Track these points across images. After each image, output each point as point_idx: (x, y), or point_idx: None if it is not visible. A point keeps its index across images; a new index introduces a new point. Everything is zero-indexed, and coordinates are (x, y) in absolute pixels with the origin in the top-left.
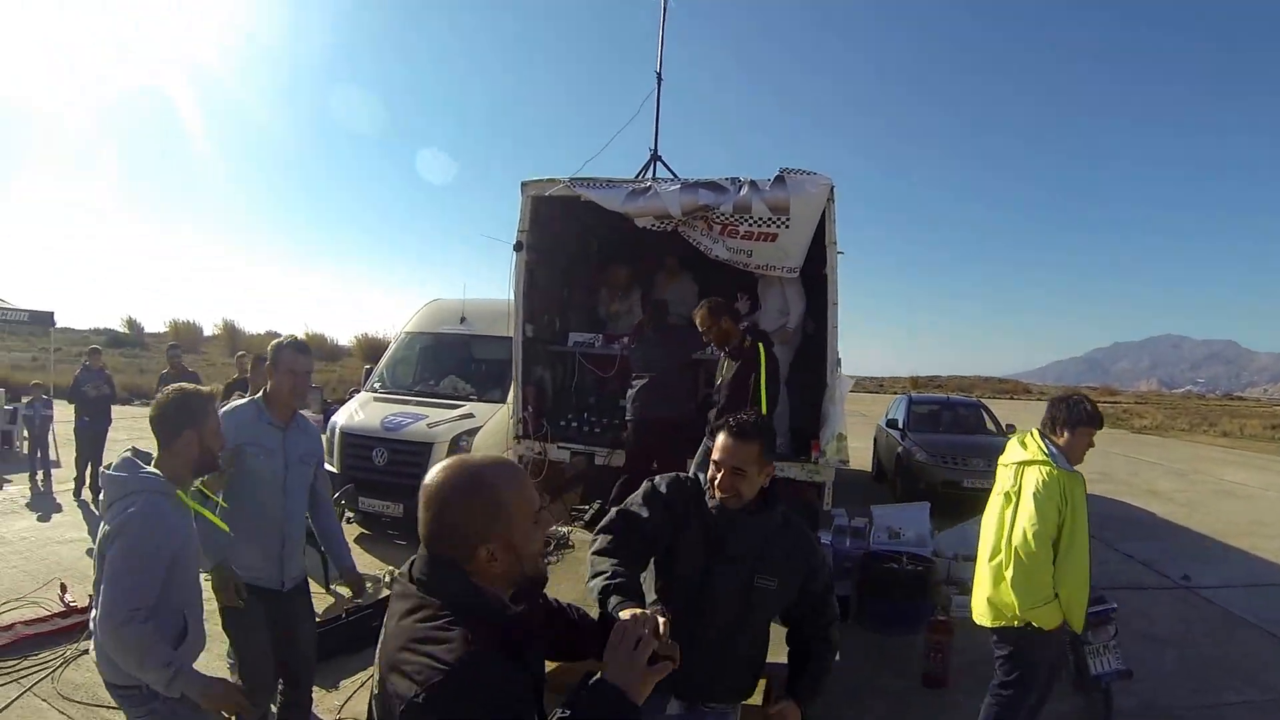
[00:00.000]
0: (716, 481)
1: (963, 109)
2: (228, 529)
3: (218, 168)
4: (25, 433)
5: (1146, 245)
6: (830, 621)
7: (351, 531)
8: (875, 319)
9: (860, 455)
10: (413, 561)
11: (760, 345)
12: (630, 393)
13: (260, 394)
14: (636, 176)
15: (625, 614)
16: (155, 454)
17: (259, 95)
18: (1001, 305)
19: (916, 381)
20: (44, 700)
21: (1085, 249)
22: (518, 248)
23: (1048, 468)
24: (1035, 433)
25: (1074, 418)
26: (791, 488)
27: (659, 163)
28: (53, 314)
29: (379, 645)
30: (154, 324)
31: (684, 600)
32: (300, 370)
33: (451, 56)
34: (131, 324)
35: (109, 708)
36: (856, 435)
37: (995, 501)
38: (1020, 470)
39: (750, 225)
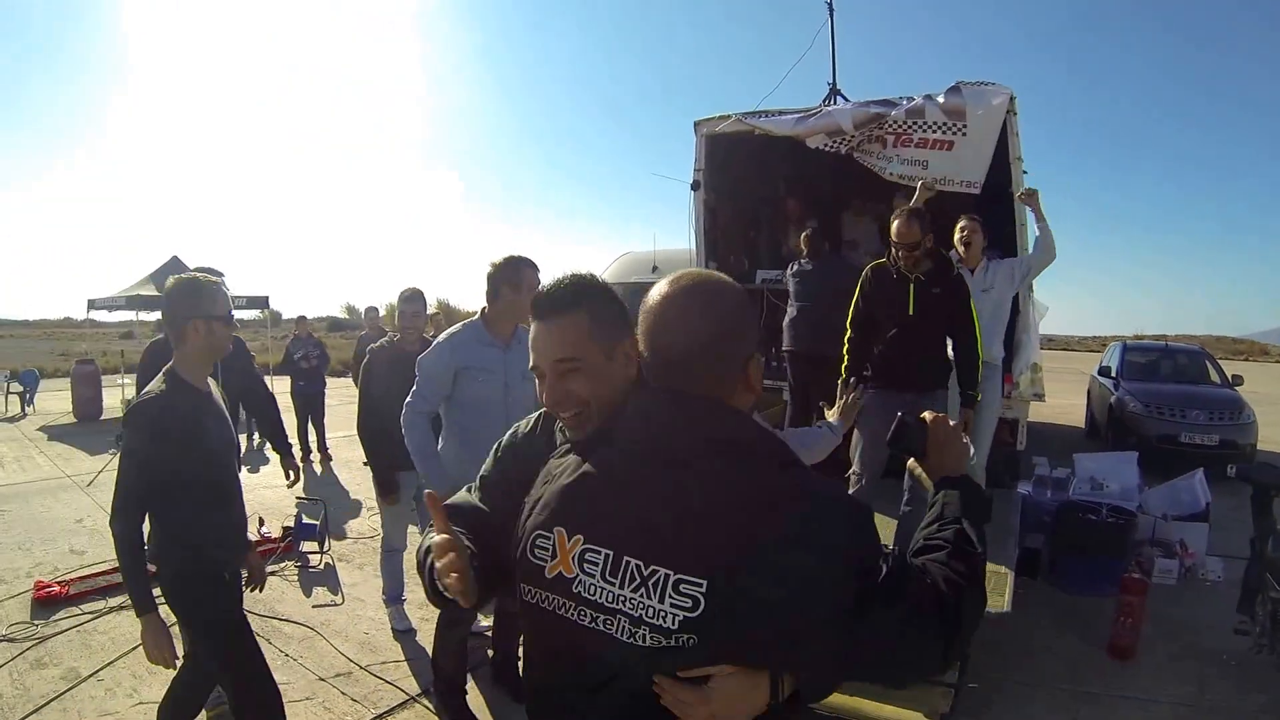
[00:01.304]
0: (543, 400)
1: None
2: None
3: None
4: None
5: None
6: None
7: None
8: (1098, 272)
9: (1075, 411)
10: (637, 414)
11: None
12: (785, 322)
13: (479, 315)
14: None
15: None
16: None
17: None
18: (1237, 258)
19: (1140, 339)
20: None
21: None
22: (694, 187)
23: None
24: None
25: None
26: None
27: (839, 97)
28: (267, 298)
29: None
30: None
31: None
32: (528, 285)
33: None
34: (350, 310)
35: (278, 619)
36: (1073, 391)
37: None
38: None
39: (925, 131)
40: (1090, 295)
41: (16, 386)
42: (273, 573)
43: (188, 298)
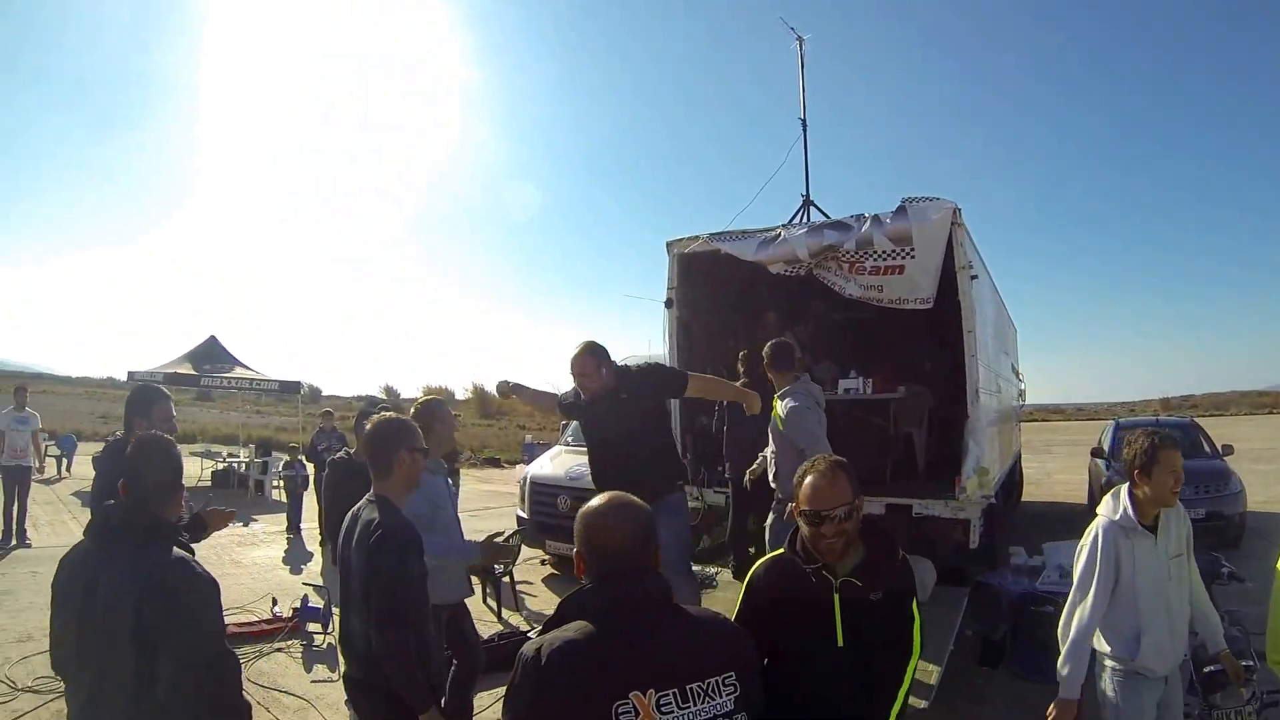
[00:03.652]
0: None
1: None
2: None
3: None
4: (278, 482)
5: None
6: None
7: (542, 571)
8: (1124, 338)
9: (1083, 489)
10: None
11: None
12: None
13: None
14: (789, 222)
15: None
16: None
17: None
18: (1261, 311)
19: (1168, 403)
20: None
21: None
22: (668, 304)
23: None
24: None
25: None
26: (937, 525)
27: (812, 207)
28: (299, 383)
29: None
30: (410, 390)
31: None
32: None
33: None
34: (388, 391)
35: (279, 690)
36: (1083, 468)
37: None
38: None
39: (876, 260)
40: (1118, 358)
41: (55, 450)
42: (279, 649)
43: None
